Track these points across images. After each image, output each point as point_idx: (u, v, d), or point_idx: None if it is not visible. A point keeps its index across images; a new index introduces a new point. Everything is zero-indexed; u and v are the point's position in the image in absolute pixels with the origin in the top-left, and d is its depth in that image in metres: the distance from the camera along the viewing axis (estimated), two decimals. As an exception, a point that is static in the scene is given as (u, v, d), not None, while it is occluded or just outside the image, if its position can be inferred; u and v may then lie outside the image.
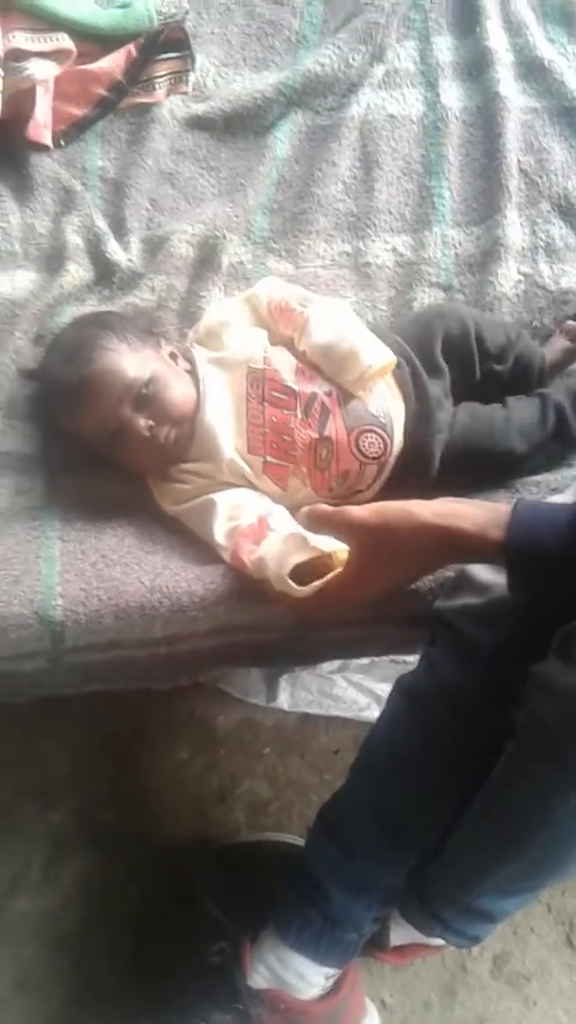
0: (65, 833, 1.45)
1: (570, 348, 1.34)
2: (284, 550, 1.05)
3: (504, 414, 1.24)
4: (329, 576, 1.03)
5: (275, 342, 1.26)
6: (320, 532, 1.04)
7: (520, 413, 1.24)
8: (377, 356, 1.19)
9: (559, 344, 1.34)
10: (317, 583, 1.03)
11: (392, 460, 1.20)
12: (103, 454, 1.21)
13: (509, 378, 1.29)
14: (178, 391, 1.20)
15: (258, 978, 1.19)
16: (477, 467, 1.24)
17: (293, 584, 1.03)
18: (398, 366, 1.23)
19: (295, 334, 1.24)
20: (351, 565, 1.02)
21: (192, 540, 1.18)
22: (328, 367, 1.22)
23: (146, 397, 1.17)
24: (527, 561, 0.93)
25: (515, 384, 1.30)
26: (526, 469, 1.26)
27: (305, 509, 1.06)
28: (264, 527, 1.11)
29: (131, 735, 1.53)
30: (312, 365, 1.23)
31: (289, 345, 1.25)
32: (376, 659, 1.50)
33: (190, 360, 1.25)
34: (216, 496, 1.17)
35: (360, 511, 1.02)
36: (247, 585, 1.12)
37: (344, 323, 1.24)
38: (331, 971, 1.21)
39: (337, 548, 1.02)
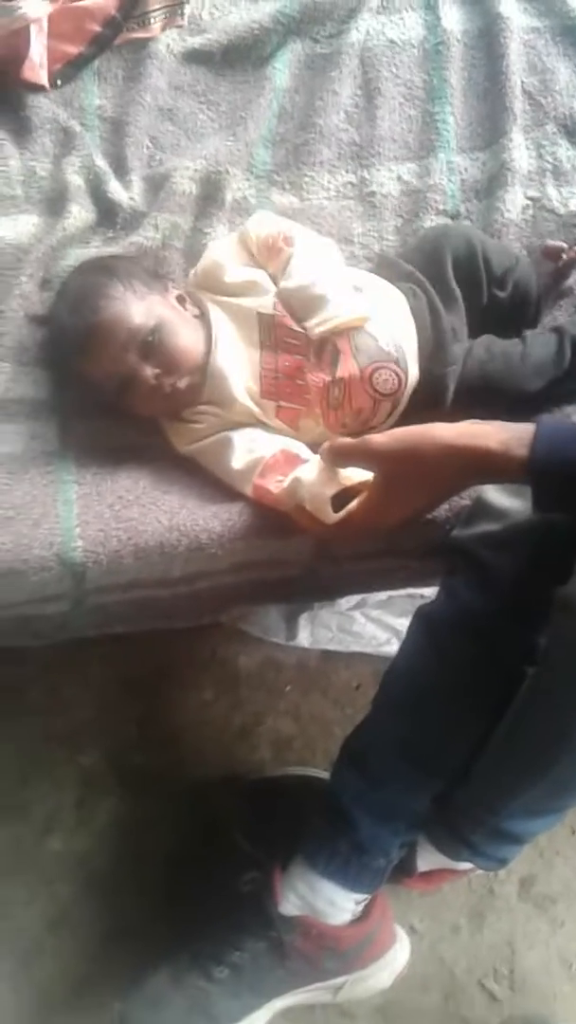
0: (95, 775, 1.47)
1: (555, 269, 1.31)
2: (320, 477, 1.05)
3: (520, 351, 1.22)
4: (359, 499, 1.03)
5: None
6: (344, 466, 1.04)
7: (536, 350, 1.22)
8: (343, 309, 1.17)
9: (544, 267, 1.31)
10: (350, 505, 1.03)
11: (407, 394, 1.19)
12: (114, 402, 1.20)
13: (509, 304, 1.27)
14: (185, 338, 1.19)
15: (289, 906, 1.21)
16: (492, 402, 1.22)
17: (330, 508, 1.04)
18: (414, 295, 1.22)
19: (278, 272, 1.23)
20: (378, 493, 1.02)
21: (208, 479, 1.18)
22: (297, 308, 1.20)
23: (152, 345, 1.16)
24: (553, 476, 0.92)
25: (514, 311, 1.28)
26: (544, 404, 1.24)
27: (325, 445, 1.05)
28: (292, 457, 1.12)
29: (155, 678, 1.54)
30: (287, 306, 1.21)
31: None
32: (394, 594, 1.51)
33: (199, 305, 1.24)
34: (232, 433, 1.17)
35: (382, 438, 1.01)
36: (265, 521, 1.12)
37: (324, 267, 1.23)
38: (361, 897, 1.23)
39: (366, 478, 1.03)
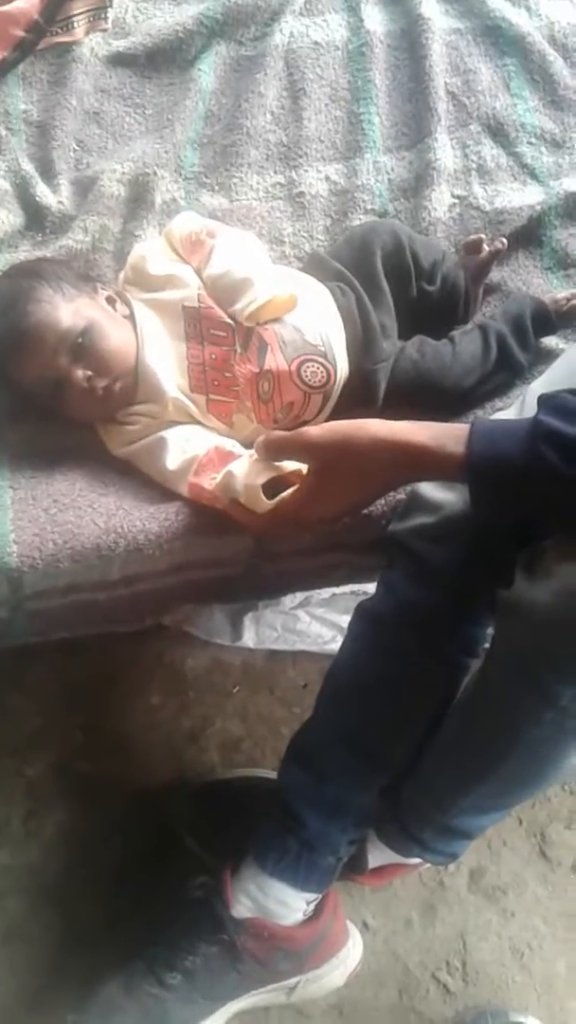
0: (43, 785, 1.45)
1: (480, 261, 1.32)
2: (252, 469, 1.05)
3: (451, 350, 1.24)
4: (292, 490, 1.03)
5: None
6: (279, 459, 1.04)
7: (465, 347, 1.24)
8: (267, 290, 1.17)
9: (469, 261, 1.33)
10: (283, 494, 1.03)
11: (337, 389, 1.19)
12: (48, 407, 1.19)
13: (438, 300, 1.28)
14: (114, 340, 1.18)
15: (241, 908, 1.20)
16: (425, 401, 1.23)
17: (263, 497, 1.04)
18: (342, 292, 1.23)
19: (202, 265, 1.23)
20: (311, 485, 1.02)
21: (145, 480, 1.17)
22: (222, 297, 1.20)
23: (82, 347, 1.16)
24: (489, 473, 0.91)
25: (444, 306, 1.30)
26: (474, 401, 1.26)
27: (260, 439, 1.05)
28: (225, 455, 1.12)
29: (101, 684, 1.53)
30: (213, 296, 1.21)
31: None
32: (337, 591, 1.51)
33: (129, 305, 1.24)
34: (165, 433, 1.16)
35: (316, 430, 1.01)
36: (202, 520, 1.12)
37: (245, 254, 1.23)
38: (311, 896, 1.22)
39: (299, 467, 1.03)
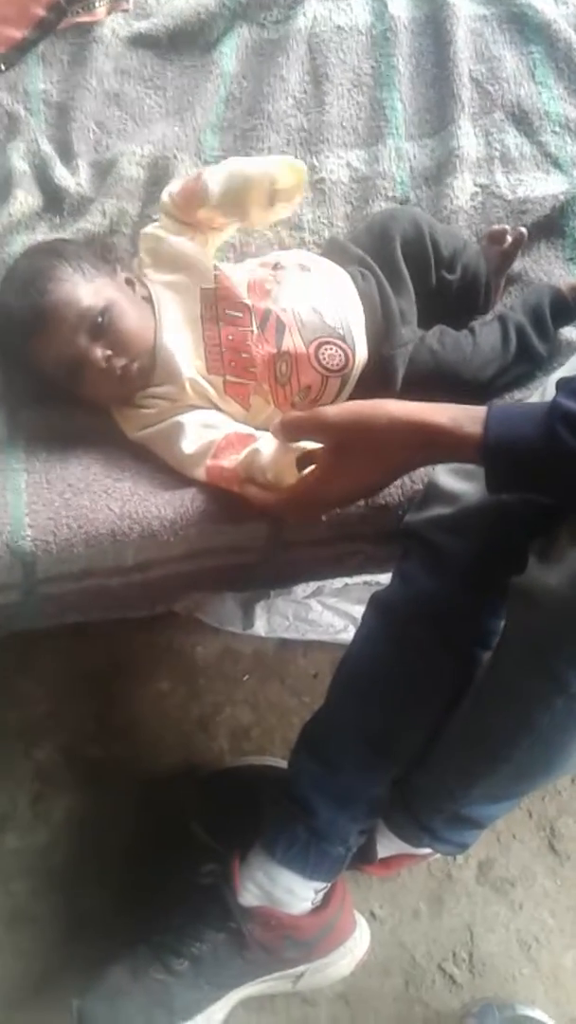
0: (51, 770, 1.45)
1: (502, 251, 1.32)
2: (280, 446, 1.05)
3: (471, 341, 1.23)
4: (309, 470, 1.03)
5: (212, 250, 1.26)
6: (296, 439, 1.04)
7: (484, 339, 1.23)
8: (280, 169, 1.18)
9: (491, 251, 1.32)
10: (307, 470, 1.03)
11: (356, 373, 1.19)
12: (65, 388, 1.19)
13: (458, 289, 1.28)
14: (134, 319, 1.18)
15: (248, 896, 1.20)
16: (443, 391, 1.22)
17: (295, 469, 1.04)
18: (362, 277, 1.22)
19: (198, 203, 1.21)
20: (327, 464, 1.01)
21: (160, 466, 1.17)
22: (236, 209, 1.20)
23: (101, 326, 1.15)
24: (506, 454, 0.91)
25: (464, 296, 1.29)
26: (493, 393, 1.25)
27: (276, 420, 1.04)
28: (243, 437, 1.11)
29: (111, 670, 1.53)
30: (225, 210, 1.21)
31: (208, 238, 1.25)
32: (350, 581, 1.51)
33: (146, 286, 1.23)
34: (182, 417, 1.16)
35: (333, 409, 1.00)
36: (218, 507, 1.11)
37: (236, 162, 1.22)
38: (320, 885, 1.22)
39: (318, 447, 1.03)
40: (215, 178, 1.19)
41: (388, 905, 1.39)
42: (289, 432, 1.03)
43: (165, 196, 1.25)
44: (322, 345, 1.17)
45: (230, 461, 1.10)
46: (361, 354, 1.19)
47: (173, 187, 1.24)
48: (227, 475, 1.10)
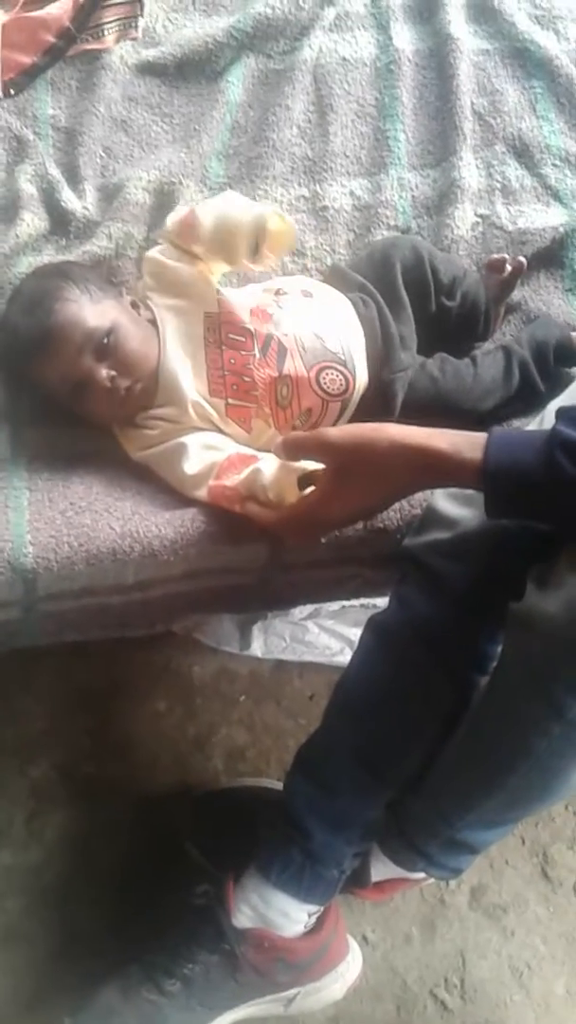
0: (46, 787, 1.45)
1: (502, 280, 1.33)
2: (282, 465, 1.06)
3: (472, 372, 1.24)
4: (309, 490, 1.04)
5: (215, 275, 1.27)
6: (297, 458, 1.05)
7: (486, 370, 1.24)
8: (270, 219, 1.18)
9: (491, 280, 1.34)
10: (308, 489, 1.04)
11: (356, 397, 1.20)
12: (69, 407, 1.20)
13: (457, 316, 1.29)
14: (138, 341, 1.19)
15: (242, 917, 1.20)
16: (443, 420, 1.23)
17: (296, 488, 1.05)
18: (363, 304, 1.24)
19: (191, 238, 1.22)
20: (328, 486, 1.02)
21: (162, 486, 1.18)
22: (222, 251, 1.21)
23: (107, 347, 1.16)
24: (504, 480, 0.92)
25: (463, 323, 1.30)
26: (491, 423, 1.25)
27: (279, 439, 1.05)
28: (246, 458, 1.13)
29: (108, 688, 1.54)
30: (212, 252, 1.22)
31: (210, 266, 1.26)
32: (348, 604, 1.51)
33: (150, 309, 1.24)
34: (185, 438, 1.17)
35: (335, 431, 1.02)
36: (219, 528, 1.12)
37: (230, 202, 1.23)
38: (313, 908, 1.22)
39: (319, 467, 1.04)
40: (206, 216, 1.21)
41: (380, 930, 1.39)
42: (291, 451, 1.04)
43: (168, 223, 1.26)
44: (323, 369, 1.19)
45: (232, 480, 1.11)
46: (361, 379, 1.21)
47: (173, 216, 1.26)
48: (229, 494, 1.11)
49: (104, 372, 1.16)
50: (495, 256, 1.34)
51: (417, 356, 1.25)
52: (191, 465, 1.14)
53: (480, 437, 0.94)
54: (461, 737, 1.10)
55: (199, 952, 1.20)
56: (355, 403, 1.21)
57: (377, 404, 1.21)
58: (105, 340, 1.16)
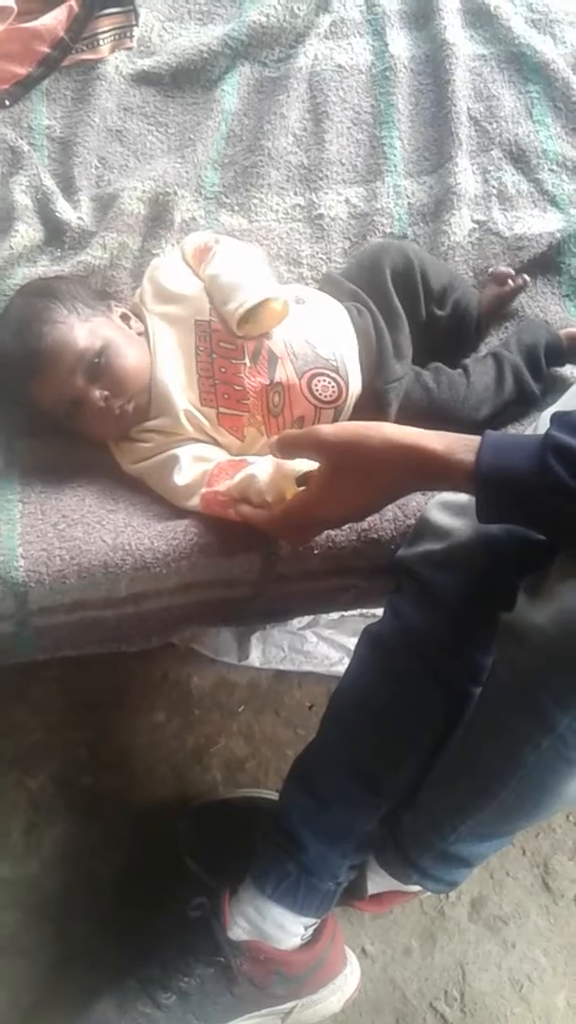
0: (44, 799, 1.45)
1: (502, 293, 1.33)
2: (278, 467, 1.06)
3: (466, 381, 1.24)
4: (302, 489, 1.04)
5: None
6: (291, 457, 1.04)
7: (479, 378, 1.24)
8: (256, 293, 1.18)
9: (490, 291, 1.34)
10: (305, 487, 1.04)
11: (349, 406, 1.20)
12: (63, 426, 1.20)
13: (447, 324, 1.29)
14: (131, 359, 1.19)
15: (238, 930, 1.19)
16: (438, 427, 1.22)
17: (294, 485, 1.05)
18: (358, 313, 1.23)
19: (199, 265, 1.24)
20: (320, 483, 1.02)
21: (154, 498, 1.18)
22: (216, 296, 1.21)
23: (99, 367, 1.16)
24: (496, 482, 0.91)
25: (453, 333, 1.30)
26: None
27: (273, 438, 1.05)
28: (236, 463, 1.12)
29: (106, 700, 1.53)
30: (209, 296, 1.22)
31: None
32: (346, 614, 1.51)
33: (142, 319, 1.24)
34: (178, 450, 1.17)
35: (329, 428, 1.01)
36: (211, 540, 1.12)
37: (245, 261, 1.24)
38: (310, 921, 1.21)
39: (314, 467, 1.04)
40: (222, 261, 1.22)
41: (379, 942, 1.38)
42: (285, 449, 1.04)
43: (187, 242, 1.28)
44: (315, 376, 1.18)
45: (224, 486, 1.10)
46: (355, 386, 1.20)
47: (196, 239, 1.29)
48: (221, 499, 1.11)
49: (97, 393, 1.16)
50: (501, 268, 1.34)
51: (412, 366, 1.24)
52: (183, 476, 1.14)
53: (474, 440, 0.93)
54: (453, 749, 1.09)
55: (195, 965, 1.19)
56: (349, 411, 1.20)
57: (371, 414, 1.20)
58: (96, 360, 1.16)
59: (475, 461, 0.91)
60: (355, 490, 1.01)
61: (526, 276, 1.33)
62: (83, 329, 1.17)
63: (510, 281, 1.33)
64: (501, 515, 0.95)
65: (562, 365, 1.28)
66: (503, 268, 1.34)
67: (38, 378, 1.16)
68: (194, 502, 1.14)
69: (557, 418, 0.92)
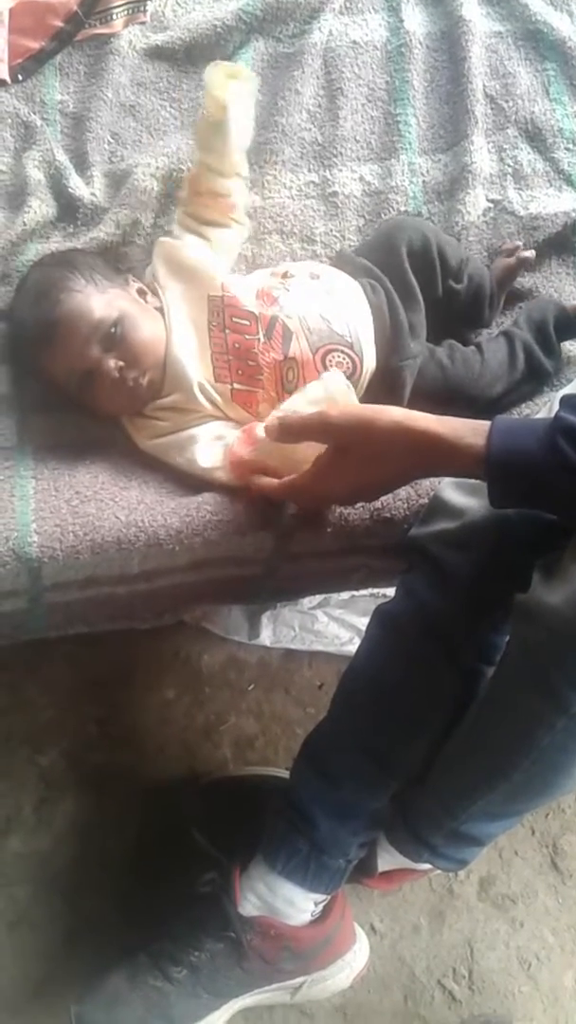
0: (55, 775, 1.46)
1: (511, 264, 1.33)
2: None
3: (480, 358, 1.23)
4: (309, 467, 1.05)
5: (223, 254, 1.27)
6: (297, 440, 1.04)
7: (492, 355, 1.24)
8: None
9: (499, 263, 1.33)
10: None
11: (364, 382, 1.19)
12: (76, 399, 1.20)
13: (464, 298, 1.28)
14: (146, 331, 1.18)
15: (248, 906, 1.20)
16: (452, 406, 1.22)
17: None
18: (372, 290, 1.23)
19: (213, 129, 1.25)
20: (328, 463, 1.02)
21: (167, 476, 1.18)
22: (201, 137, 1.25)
23: (114, 337, 1.16)
24: (506, 465, 0.91)
25: (469, 307, 1.29)
26: (501, 409, 1.25)
27: (275, 421, 1.04)
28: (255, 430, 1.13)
29: (117, 677, 1.53)
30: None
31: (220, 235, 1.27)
32: (357, 593, 1.51)
33: (158, 296, 1.24)
34: (196, 430, 1.17)
35: (336, 411, 1.02)
36: (224, 517, 1.12)
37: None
38: (320, 897, 1.22)
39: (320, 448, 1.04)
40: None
41: (388, 919, 1.39)
42: (291, 433, 1.04)
43: (184, 189, 1.28)
44: (329, 352, 1.18)
45: (246, 451, 1.11)
46: (369, 363, 1.20)
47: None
48: (247, 457, 1.11)
49: (112, 363, 1.16)
50: (511, 243, 1.34)
51: (427, 344, 1.24)
52: (203, 452, 1.14)
53: (483, 424, 0.93)
54: (465, 728, 1.10)
55: (205, 940, 1.20)
56: (363, 388, 1.20)
57: (385, 391, 1.20)
58: (112, 330, 1.16)
59: (486, 445, 0.92)
60: (361, 472, 1.02)
61: (529, 253, 1.33)
62: (100, 300, 1.16)
63: (517, 252, 1.33)
64: (513, 498, 0.96)
65: (573, 336, 1.27)
66: (512, 243, 1.34)
67: (53, 346, 1.16)
68: (218, 473, 1.14)
69: (567, 400, 0.92)
